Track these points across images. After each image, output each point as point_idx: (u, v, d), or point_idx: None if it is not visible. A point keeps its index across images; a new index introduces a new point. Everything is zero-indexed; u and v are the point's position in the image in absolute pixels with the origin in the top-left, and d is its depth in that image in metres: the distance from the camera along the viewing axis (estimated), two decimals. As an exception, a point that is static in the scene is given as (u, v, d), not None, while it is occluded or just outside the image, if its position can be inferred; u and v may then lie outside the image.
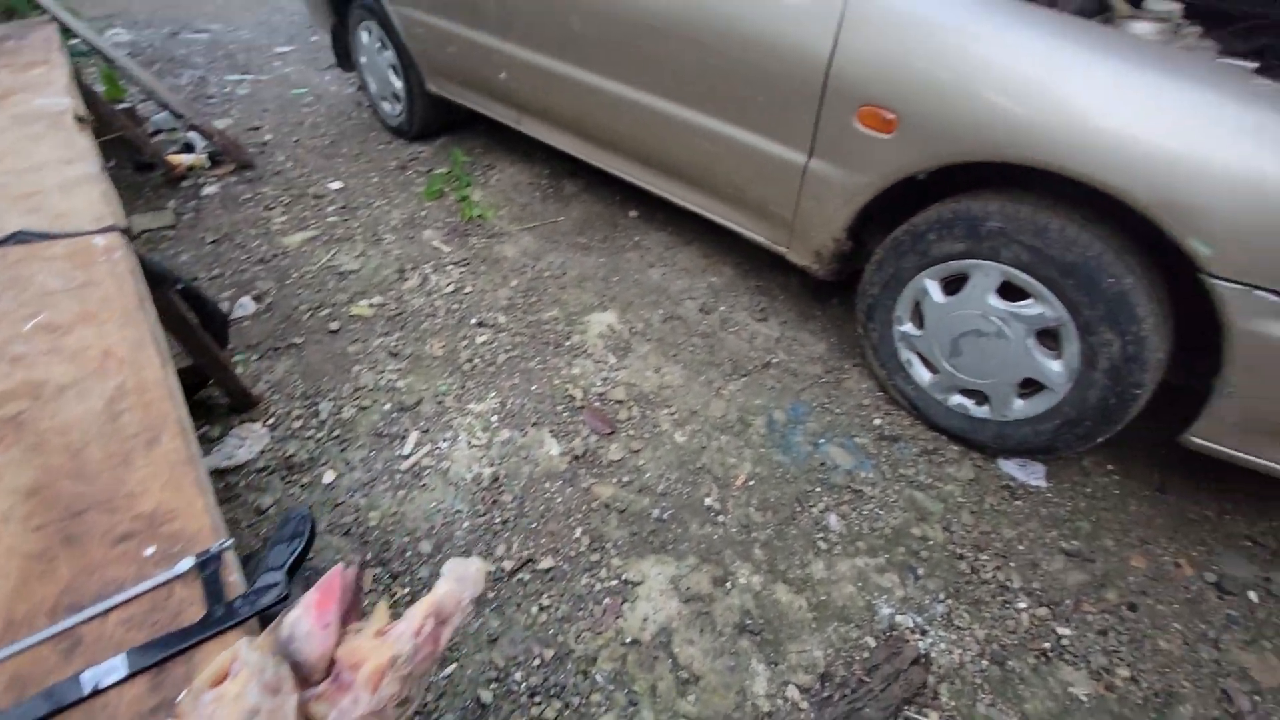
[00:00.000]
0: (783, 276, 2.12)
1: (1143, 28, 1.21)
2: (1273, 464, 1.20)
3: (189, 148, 2.84)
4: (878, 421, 1.66)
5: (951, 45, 1.22)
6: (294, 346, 1.87)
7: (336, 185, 2.68)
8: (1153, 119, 1.06)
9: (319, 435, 1.61)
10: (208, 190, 2.62)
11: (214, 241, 2.32)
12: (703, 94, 1.65)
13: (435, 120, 2.93)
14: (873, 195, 1.45)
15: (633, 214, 2.44)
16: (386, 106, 3.02)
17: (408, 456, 1.55)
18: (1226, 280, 1.06)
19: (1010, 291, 1.35)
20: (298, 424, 1.64)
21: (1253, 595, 1.32)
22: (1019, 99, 1.15)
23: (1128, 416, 1.31)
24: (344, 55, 3.15)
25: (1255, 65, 1.18)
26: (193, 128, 2.72)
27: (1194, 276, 1.10)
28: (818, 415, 1.67)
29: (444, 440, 1.59)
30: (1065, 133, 1.12)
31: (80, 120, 1.69)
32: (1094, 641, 1.24)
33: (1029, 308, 1.32)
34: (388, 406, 1.68)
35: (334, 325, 1.93)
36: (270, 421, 1.65)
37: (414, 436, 1.60)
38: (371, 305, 2.02)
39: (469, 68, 2.39)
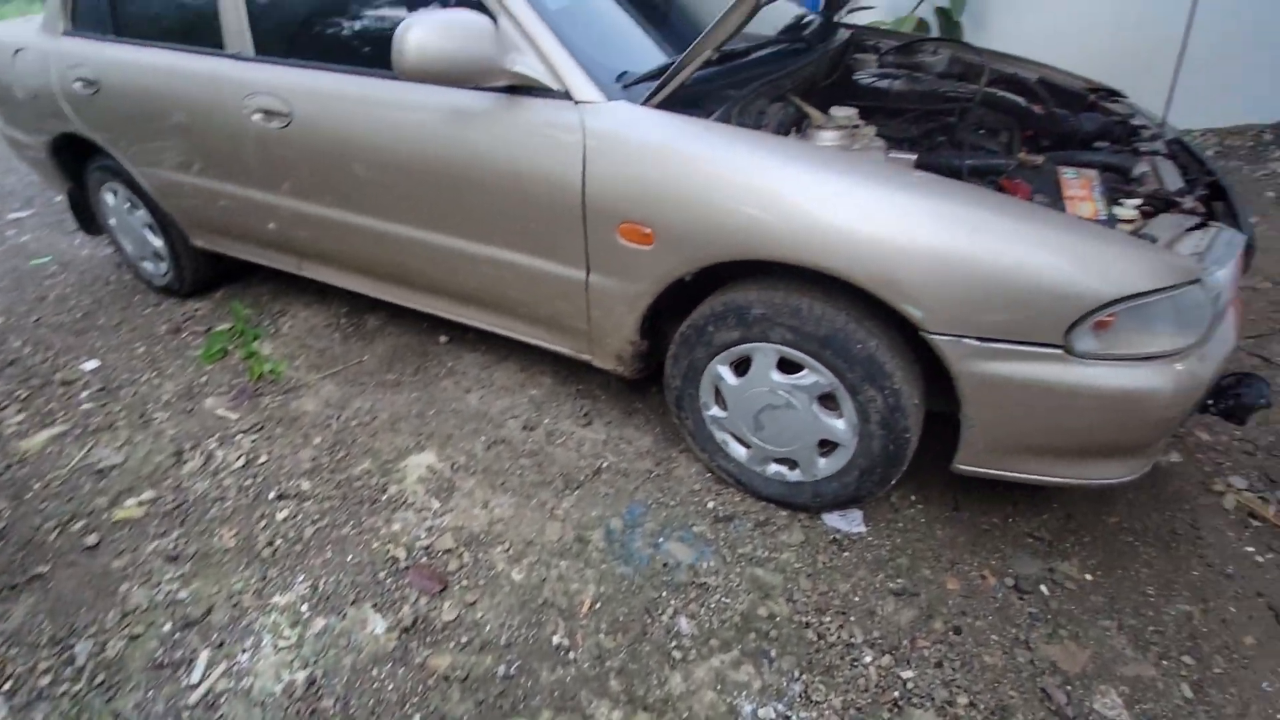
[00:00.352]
0: (602, 376, 2.15)
1: (829, 135, 1.44)
2: (1028, 475, 1.38)
3: (-118, 352, 2.35)
4: (711, 504, 1.70)
5: (683, 166, 1.35)
6: (38, 579, 1.55)
7: (91, 365, 2.35)
8: (852, 213, 1.23)
9: (76, 688, 1.32)
10: (-90, 402, 2.17)
11: (-81, 466, 1.90)
12: (482, 227, 1.68)
13: (210, 271, 2.70)
14: (652, 299, 1.53)
15: (443, 339, 2.38)
16: (149, 266, 2.74)
17: (197, 685, 1.31)
18: (939, 334, 1.24)
19: (788, 366, 1.47)
20: (46, 680, 1.33)
21: (1044, 589, 1.49)
22: (747, 206, 1.30)
23: (908, 455, 1.45)
24: (88, 219, 2.84)
25: (914, 157, 1.44)
26: (-118, 330, 2.26)
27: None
28: (654, 512, 1.67)
29: (244, 651, 1.37)
30: (791, 231, 1.27)
31: None
32: (933, 676, 1.32)
33: (805, 378, 1.45)
34: (168, 626, 1.42)
35: (91, 539, 1.63)
36: (7, 687, 1.32)
37: (204, 656, 1.36)
38: (141, 503, 1.74)
39: (235, 221, 2.25)
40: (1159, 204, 1.37)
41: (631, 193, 1.41)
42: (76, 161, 2.58)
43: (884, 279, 1.23)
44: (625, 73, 1.49)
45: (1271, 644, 1.35)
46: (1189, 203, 1.39)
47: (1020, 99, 1.90)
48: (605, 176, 1.42)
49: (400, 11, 1.67)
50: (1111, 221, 1.28)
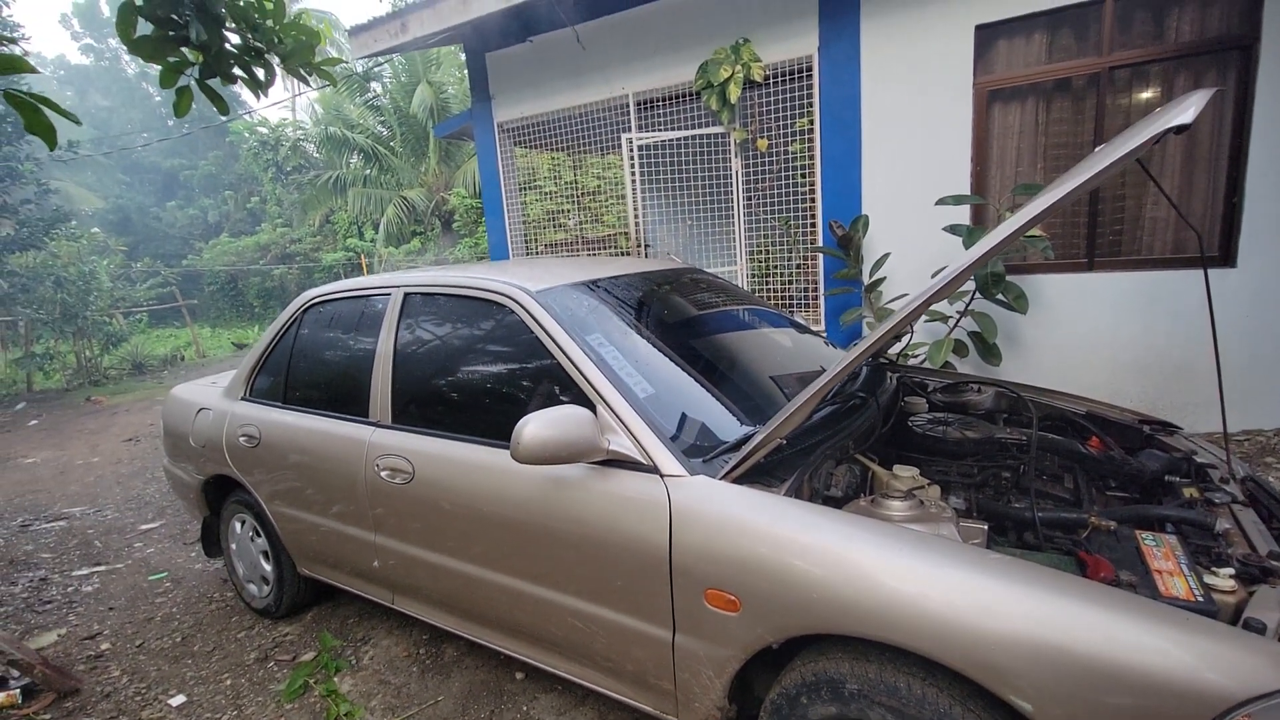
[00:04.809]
0: (683, 727, 2.01)
1: (899, 506, 1.55)
2: None
3: (3, 682, 2.48)
4: None
5: (763, 540, 1.45)
6: None
7: (178, 700, 2.38)
8: (937, 595, 1.26)
9: None
10: (6, 744, 2.21)
11: (-9, 829, 1.86)
12: (573, 581, 1.78)
13: (306, 595, 2.86)
14: (741, 664, 1.52)
15: (520, 676, 2.33)
16: (253, 588, 2.93)
17: None
18: (1058, 732, 1.16)
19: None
20: None
21: None
22: (831, 583, 1.35)
23: None
24: (212, 543, 3.14)
25: (985, 527, 1.51)
26: (11, 665, 2.41)
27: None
28: None
29: None
30: (876, 609, 1.30)
31: None
32: None
33: (916, 768, 1.33)
34: None
35: None
36: None
37: None
38: None
39: (343, 556, 2.46)
40: (1254, 571, 1.35)
41: (715, 561, 1.51)
42: (218, 496, 2.98)
43: (981, 665, 1.21)
44: (705, 446, 1.71)
45: None
46: (1288, 568, 1.36)
47: (1075, 441, 2.02)
48: (690, 544, 1.54)
49: (508, 391, 2.04)
50: (1210, 599, 1.26)
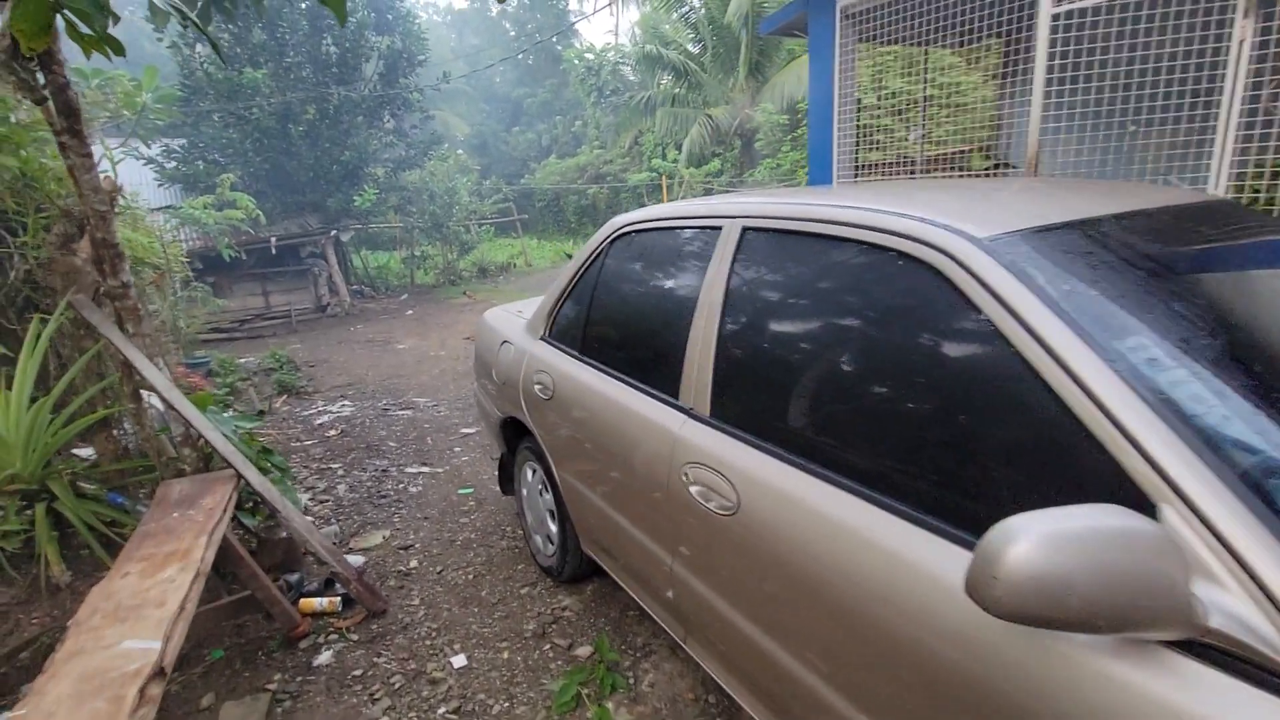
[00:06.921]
0: None
1: None
2: None
3: (330, 583, 2.63)
4: None
5: None
6: None
7: (460, 662, 2.21)
8: None
9: None
10: (321, 658, 2.26)
11: (289, 767, 1.83)
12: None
13: (589, 566, 2.50)
14: None
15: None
16: (538, 541, 2.70)
17: None
18: None
19: None
20: None
21: None
22: None
23: None
24: (508, 481, 3.00)
25: None
26: (334, 576, 2.51)
27: None
28: None
29: None
30: None
31: (149, 684, 1.36)
32: None
33: None
34: None
35: None
36: None
37: None
38: None
39: (632, 563, 1.95)
40: None
41: None
42: (514, 435, 2.75)
43: None
44: None
45: None
46: None
47: None
48: None
49: (926, 420, 1.16)
50: None
